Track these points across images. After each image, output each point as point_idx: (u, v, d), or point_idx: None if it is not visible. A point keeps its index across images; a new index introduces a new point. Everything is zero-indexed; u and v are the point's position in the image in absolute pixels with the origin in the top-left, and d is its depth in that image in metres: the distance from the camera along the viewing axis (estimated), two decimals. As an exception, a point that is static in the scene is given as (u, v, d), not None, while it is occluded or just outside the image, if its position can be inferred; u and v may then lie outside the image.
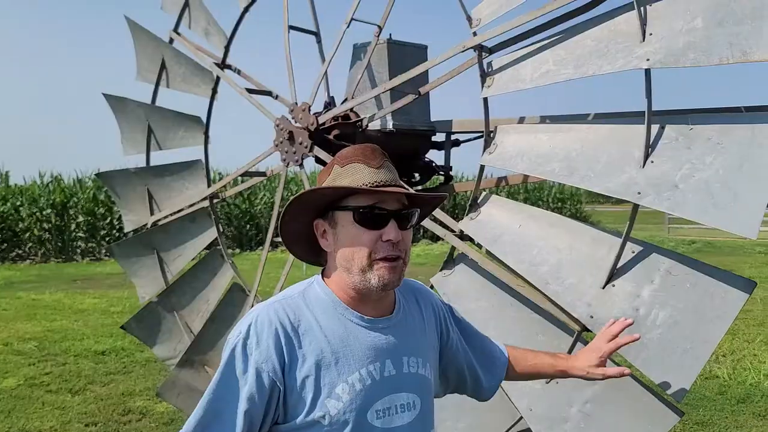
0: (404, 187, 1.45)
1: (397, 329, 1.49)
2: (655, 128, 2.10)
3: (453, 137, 3.34)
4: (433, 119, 3.31)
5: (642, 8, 2.10)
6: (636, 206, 2.09)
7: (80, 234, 18.80)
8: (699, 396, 5.89)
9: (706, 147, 1.98)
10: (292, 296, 1.45)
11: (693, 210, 1.92)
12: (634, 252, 2.16)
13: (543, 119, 2.71)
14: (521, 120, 2.75)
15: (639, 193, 2.02)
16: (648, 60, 2.02)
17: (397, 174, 1.48)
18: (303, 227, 1.51)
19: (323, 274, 1.51)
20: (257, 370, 1.34)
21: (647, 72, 2.05)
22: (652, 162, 2.05)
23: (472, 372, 1.71)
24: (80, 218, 18.89)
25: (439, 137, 3.39)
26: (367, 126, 3.08)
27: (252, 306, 3.40)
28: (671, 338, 1.97)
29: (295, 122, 3.13)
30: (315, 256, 1.57)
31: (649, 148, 2.07)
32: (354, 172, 1.41)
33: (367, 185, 1.39)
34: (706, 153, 1.98)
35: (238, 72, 3.66)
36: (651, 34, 2.07)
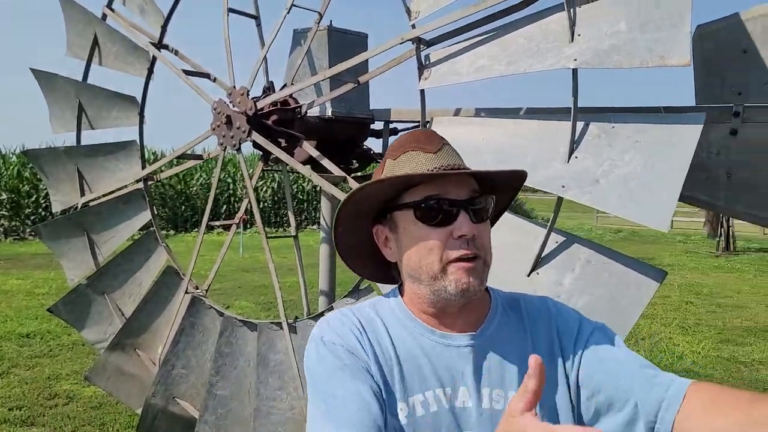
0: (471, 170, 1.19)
1: (483, 351, 1.18)
2: (580, 125, 2.21)
3: (391, 126, 3.40)
4: (373, 107, 3.35)
5: (572, 10, 2.20)
6: (560, 199, 2.21)
7: (3, 212, 17.93)
8: (618, 377, 6.23)
9: (626, 144, 2.11)
10: (360, 306, 1.25)
11: (612, 204, 2.05)
12: (557, 242, 2.29)
13: (478, 112, 2.80)
14: (457, 112, 2.84)
15: (563, 186, 2.13)
16: (575, 60, 2.13)
17: (461, 159, 1.21)
18: (363, 238, 1.27)
19: (399, 290, 1.26)
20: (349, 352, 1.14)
21: (574, 71, 2.16)
22: (576, 157, 2.17)
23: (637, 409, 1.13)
24: (3, 196, 18.00)
25: (378, 125, 3.44)
26: (306, 112, 3.09)
27: (186, 291, 3.38)
28: (589, 323, 2.10)
29: (233, 106, 3.11)
30: (385, 271, 1.30)
31: (574, 144, 2.18)
32: (409, 161, 1.17)
33: (426, 172, 1.14)
34: (626, 150, 2.11)
35: (176, 52, 3.59)
36: (579, 35, 2.18)
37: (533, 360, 0.86)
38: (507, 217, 2.51)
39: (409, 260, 1.17)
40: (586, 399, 1.17)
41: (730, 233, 17.90)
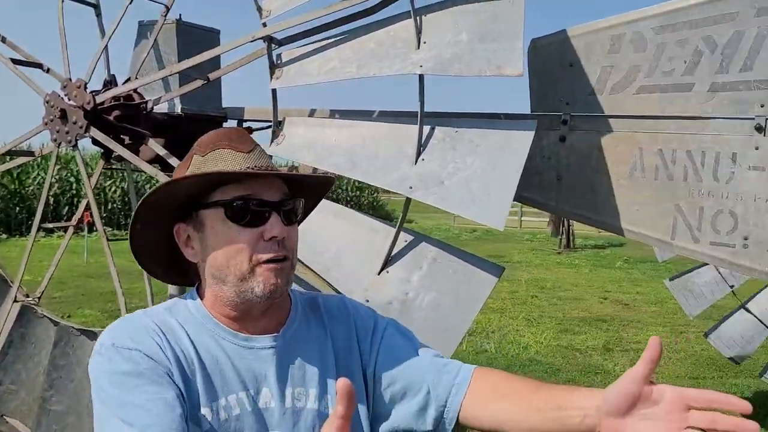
0: (287, 173, 1.20)
1: (286, 352, 1.19)
2: (427, 129, 2.31)
3: (245, 124, 3.33)
4: (231, 105, 3.27)
5: (418, 18, 2.29)
6: (408, 199, 2.29)
7: None
8: (470, 369, 6.59)
9: (468, 148, 2.24)
10: (154, 310, 1.19)
11: (455, 204, 2.15)
12: (406, 241, 2.37)
13: (332, 113, 2.82)
14: (312, 112, 2.84)
15: (411, 187, 2.21)
16: (421, 66, 2.21)
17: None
18: (160, 236, 1.20)
19: (197, 291, 1.23)
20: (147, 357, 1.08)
21: (420, 77, 2.25)
22: (423, 160, 2.26)
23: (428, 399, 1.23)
24: None
25: (231, 123, 3.36)
26: (152, 108, 2.94)
27: (15, 299, 3.08)
28: (434, 319, 2.20)
29: (69, 100, 2.89)
30: (181, 273, 1.25)
31: (421, 147, 2.27)
32: (220, 159, 1.14)
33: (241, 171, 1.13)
34: (468, 154, 2.23)
35: (3, 40, 3.26)
36: (425, 43, 2.27)
37: (342, 384, 0.84)
38: (360, 217, 2.57)
39: (214, 260, 1.14)
40: (382, 390, 1.23)
41: (570, 232, 19.55)
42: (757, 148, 2.21)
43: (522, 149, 2.16)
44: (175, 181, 1.14)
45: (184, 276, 1.26)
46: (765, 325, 5.19)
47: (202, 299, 1.20)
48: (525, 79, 2.56)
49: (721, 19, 2.26)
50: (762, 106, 2.20)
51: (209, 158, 1.15)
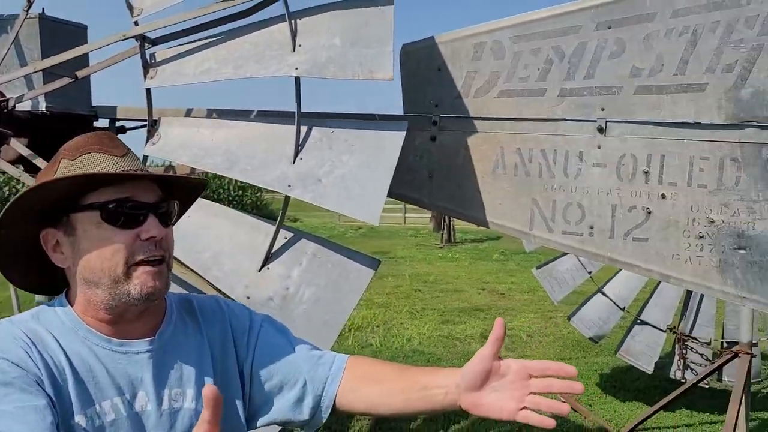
0: (165, 175, 1.23)
1: (162, 354, 1.20)
2: (304, 129, 2.39)
3: (118, 124, 3.24)
4: (111, 103, 3.15)
5: (293, 21, 2.36)
6: (287, 198, 2.36)
7: None
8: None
9: (344, 147, 2.34)
10: (20, 318, 1.15)
11: (332, 201, 2.25)
12: (286, 238, 2.44)
13: (210, 113, 2.82)
14: (189, 112, 2.82)
15: (290, 185, 2.29)
16: (297, 69, 2.29)
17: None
18: (23, 242, 1.17)
19: (67, 298, 1.20)
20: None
21: (297, 79, 2.32)
22: (301, 159, 2.34)
23: (306, 387, 1.30)
24: None
25: (103, 123, 3.25)
26: (14, 107, 2.79)
27: None
28: (314, 312, 2.29)
29: None
30: (43, 281, 1.24)
31: (299, 146, 2.35)
32: (92, 164, 1.13)
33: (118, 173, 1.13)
34: (344, 153, 2.33)
35: None
36: (300, 46, 2.35)
37: (207, 390, 0.88)
38: (240, 216, 2.60)
39: (87, 263, 1.13)
40: (260, 386, 1.28)
41: (451, 227, 20.33)
42: (599, 147, 2.48)
43: (394, 148, 2.30)
44: (53, 182, 1.11)
45: (48, 283, 1.24)
46: (618, 306, 5.75)
47: (72, 306, 1.18)
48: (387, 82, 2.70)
49: (568, 31, 2.52)
50: (602, 109, 2.47)
51: (80, 162, 1.14)
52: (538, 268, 5.97)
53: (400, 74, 2.75)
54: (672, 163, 2.40)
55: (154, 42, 2.50)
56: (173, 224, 1.22)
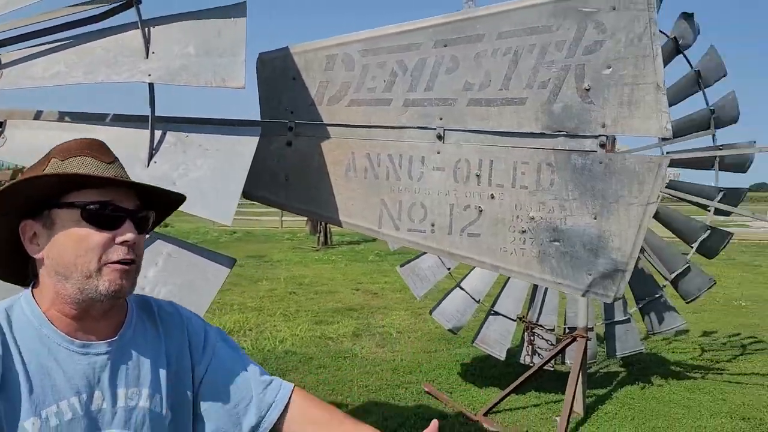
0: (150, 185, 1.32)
1: (121, 355, 1.28)
2: (159, 133, 2.46)
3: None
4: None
5: (146, 29, 2.42)
6: (142, 200, 2.41)
7: None
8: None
9: (198, 152, 2.44)
10: None
11: (186, 204, 2.33)
12: (142, 240, 2.49)
13: (62, 116, 2.79)
14: (38, 114, 2.78)
15: (144, 189, 2.35)
16: (150, 75, 2.36)
17: None
18: (1, 231, 1.25)
19: (33, 289, 1.27)
20: None
21: (150, 85, 2.39)
22: (155, 162, 2.41)
23: (241, 405, 1.41)
24: None
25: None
26: None
27: None
28: (170, 310, 2.36)
29: None
30: (13, 271, 1.31)
31: (153, 150, 2.42)
32: (80, 167, 1.22)
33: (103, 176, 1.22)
34: (198, 156, 2.43)
35: None
36: (154, 53, 2.42)
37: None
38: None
39: (61, 257, 1.21)
40: (209, 395, 1.39)
41: (328, 230, 20.52)
42: (438, 153, 2.76)
43: (248, 152, 2.43)
44: (37, 178, 1.19)
45: (17, 273, 1.31)
46: (474, 299, 6.20)
47: (38, 299, 1.25)
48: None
49: (410, 48, 2.78)
50: (441, 118, 2.75)
51: (69, 163, 1.23)
52: (402, 266, 6.29)
53: (257, 81, 2.89)
54: (499, 167, 2.72)
55: (1, 44, 2.45)
56: (148, 232, 1.32)
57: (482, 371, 6.84)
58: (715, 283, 6.51)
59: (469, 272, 6.27)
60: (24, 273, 1.30)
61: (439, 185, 2.77)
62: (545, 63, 2.64)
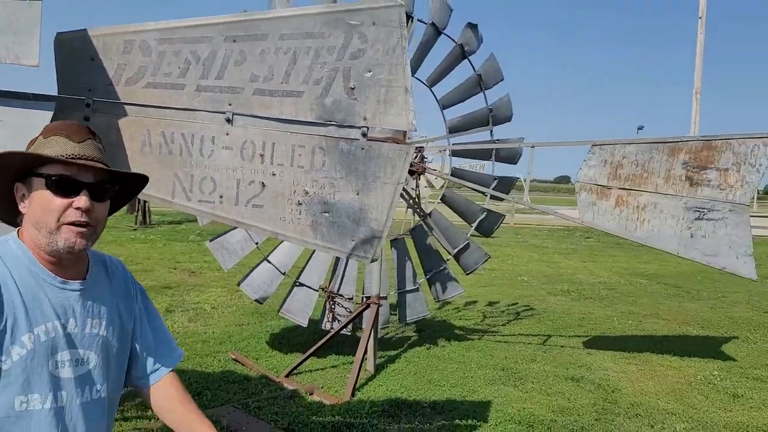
0: (104, 164, 1.63)
1: (87, 293, 1.67)
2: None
3: None
4: None
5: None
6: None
7: None
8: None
9: (-10, 122, 2.61)
10: None
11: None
12: None
13: None
14: None
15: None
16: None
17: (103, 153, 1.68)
18: (2, 188, 1.64)
19: (19, 234, 1.64)
20: None
21: (-59, 56, 2.51)
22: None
23: (143, 354, 1.87)
24: None
25: None
26: None
27: None
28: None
29: None
30: (12, 216, 1.69)
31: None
32: (54, 144, 1.58)
33: (63, 156, 1.56)
34: (-9, 127, 2.60)
35: None
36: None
37: None
38: None
39: (34, 213, 1.60)
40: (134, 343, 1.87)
41: (147, 209, 19.79)
42: (227, 134, 3.16)
43: (41, 125, 2.64)
44: (5, 154, 1.57)
45: (14, 218, 1.69)
46: (280, 271, 6.68)
47: (23, 238, 1.62)
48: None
49: (203, 40, 3.14)
50: (230, 104, 3.15)
51: (48, 141, 1.61)
52: (211, 240, 6.58)
53: (55, 59, 3.08)
54: (280, 149, 3.19)
55: None
56: (107, 201, 1.67)
57: (289, 339, 7.36)
58: (489, 257, 7.63)
59: (276, 246, 6.73)
60: (14, 216, 1.70)
61: (227, 162, 3.17)
62: (319, 63, 3.15)
